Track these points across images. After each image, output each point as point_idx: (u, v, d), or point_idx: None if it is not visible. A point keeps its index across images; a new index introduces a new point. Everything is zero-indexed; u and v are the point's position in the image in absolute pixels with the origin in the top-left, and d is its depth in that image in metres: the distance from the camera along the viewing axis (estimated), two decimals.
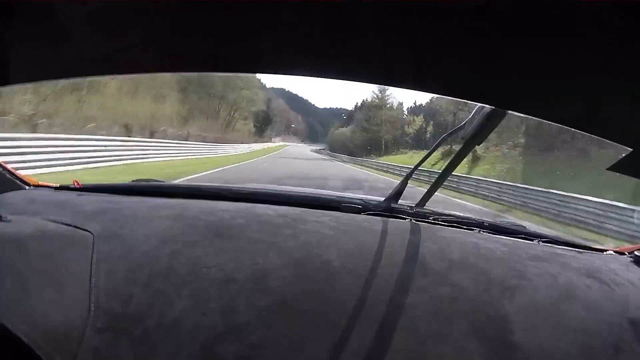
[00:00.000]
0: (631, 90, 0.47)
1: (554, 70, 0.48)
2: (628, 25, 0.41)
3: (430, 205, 1.22)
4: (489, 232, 1.10)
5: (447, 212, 1.19)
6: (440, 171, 1.13)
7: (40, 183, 1.18)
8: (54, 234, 0.78)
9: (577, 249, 1.06)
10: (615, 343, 0.72)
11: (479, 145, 0.85)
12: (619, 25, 0.42)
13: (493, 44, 0.48)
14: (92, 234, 0.83)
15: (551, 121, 0.52)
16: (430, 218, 1.13)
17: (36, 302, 0.63)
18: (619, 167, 0.56)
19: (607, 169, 0.58)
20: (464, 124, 0.85)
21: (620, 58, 0.45)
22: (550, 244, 1.07)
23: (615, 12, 0.40)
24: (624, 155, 0.53)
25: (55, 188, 1.18)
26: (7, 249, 0.67)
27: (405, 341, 0.68)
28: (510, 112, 0.58)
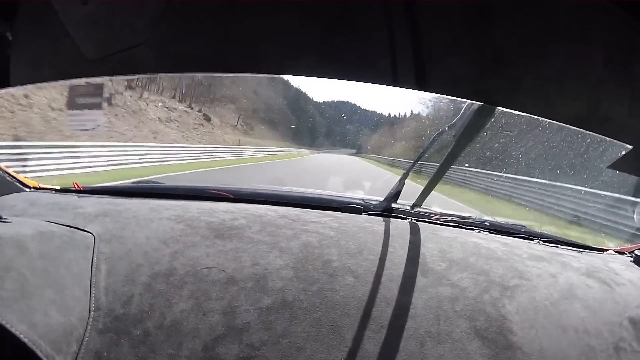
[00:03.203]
0: (631, 89, 0.47)
1: (555, 70, 0.48)
2: (628, 25, 0.41)
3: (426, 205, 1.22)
4: (489, 232, 1.10)
5: (447, 211, 1.19)
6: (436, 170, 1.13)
7: (40, 186, 1.18)
8: (54, 235, 0.78)
9: (577, 249, 1.06)
10: (615, 342, 0.72)
11: (471, 142, 0.85)
12: (619, 25, 0.42)
13: (494, 44, 0.48)
14: (92, 235, 0.83)
15: (552, 119, 0.52)
16: (431, 218, 1.13)
17: (36, 302, 0.63)
18: (619, 165, 0.56)
19: (608, 167, 0.58)
20: (455, 122, 0.85)
21: (620, 57, 0.45)
22: (550, 244, 1.07)
23: (616, 12, 0.40)
24: (624, 153, 0.53)
25: (56, 190, 1.18)
26: (8, 249, 0.67)
27: (405, 341, 0.68)
28: (501, 109, 0.58)
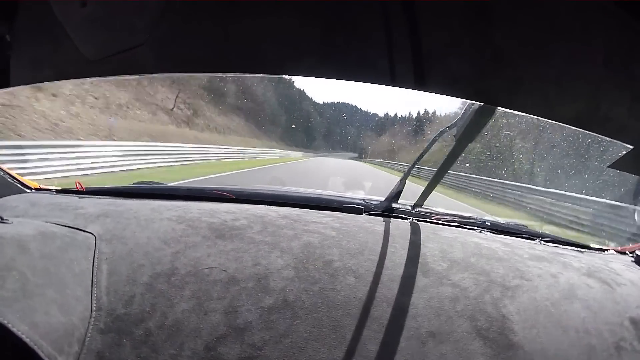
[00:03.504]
0: (631, 89, 0.47)
1: (555, 70, 0.48)
2: (628, 25, 0.41)
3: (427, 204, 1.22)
4: (490, 232, 1.10)
5: (448, 212, 1.19)
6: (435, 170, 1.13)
7: (41, 186, 1.18)
8: (55, 235, 0.78)
9: (578, 249, 1.06)
10: (616, 342, 0.72)
11: (471, 143, 0.85)
12: (619, 25, 0.42)
13: (494, 44, 0.48)
14: (93, 235, 0.83)
15: (552, 119, 0.52)
16: (432, 218, 1.13)
17: (38, 302, 0.63)
18: (619, 164, 0.56)
19: (608, 167, 0.58)
20: (456, 122, 0.85)
21: (621, 57, 0.45)
22: (551, 244, 1.07)
23: (616, 12, 0.40)
24: (624, 153, 0.53)
25: (57, 191, 1.18)
26: (9, 249, 0.67)
27: (406, 341, 0.68)
28: (501, 109, 0.58)
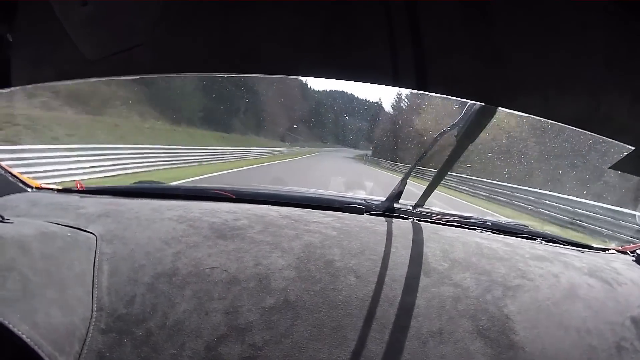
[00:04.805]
0: (632, 89, 0.47)
1: (555, 70, 0.48)
2: (628, 25, 0.41)
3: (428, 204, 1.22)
4: (491, 232, 1.10)
5: (449, 211, 1.19)
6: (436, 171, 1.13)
7: (42, 186, 1.18)
8: (56, 235, 0.78)
9: (579, 249, 1.06)
10: (617, 341, 0.72)
11: (472, 143, 0.85)
12: (620, 25, 0.42)
13: (495, 44, 0.48)
14: (95, 235, 0.83)
15: (552, 119, 0.52)
16: (433, 218, 1.13)
17: (38, 302, 0.63)
18: (620, 165, 0.56)
19: (609, 168, 0.58)
20: (457, 122, 0.85)
21: (620, 57, 0.45)
22: (552, 244, 1.07)
23: (616, 12, 0.40)
24: (625, 153, 0.53)
25: (58, 190, 1.18)
26: (10, 250, 0.67)
27: (408, 341, 0.68)
28: (502, 109, 0.58)
